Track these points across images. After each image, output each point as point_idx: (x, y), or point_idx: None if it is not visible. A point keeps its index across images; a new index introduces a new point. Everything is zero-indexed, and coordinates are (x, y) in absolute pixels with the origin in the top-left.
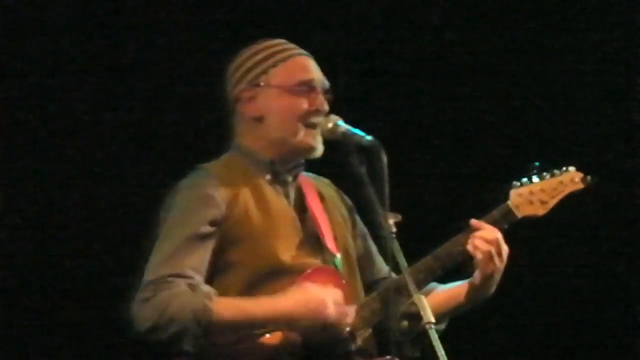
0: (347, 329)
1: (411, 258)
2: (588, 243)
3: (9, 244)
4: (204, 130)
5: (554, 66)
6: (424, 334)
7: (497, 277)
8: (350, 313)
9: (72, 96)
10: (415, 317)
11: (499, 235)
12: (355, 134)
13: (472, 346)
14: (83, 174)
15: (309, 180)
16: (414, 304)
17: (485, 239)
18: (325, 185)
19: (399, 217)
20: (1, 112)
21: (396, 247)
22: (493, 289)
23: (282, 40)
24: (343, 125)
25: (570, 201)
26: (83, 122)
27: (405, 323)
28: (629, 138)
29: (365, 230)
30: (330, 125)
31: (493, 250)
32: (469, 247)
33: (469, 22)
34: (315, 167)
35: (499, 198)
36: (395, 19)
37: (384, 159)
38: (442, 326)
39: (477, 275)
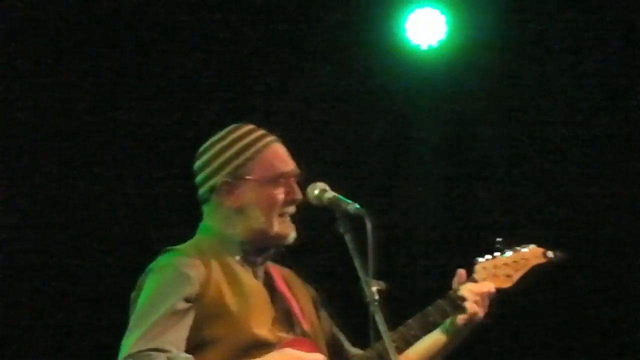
0: None
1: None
2: (588, 244)
3: (9, 244)
4: (203, 130)
5: (554, 66)
6: None
7: (473, 328)
8: None
9: (72, 96)
10: None
11: (485, 290)
12: (342, 201)
13: (472, 346)
14: (83, 174)
15: (274, 267)
16: None
17: (475, 291)
18: (289, 273)
19: (383, 285)
20: (1, 112)
21: (379, 314)
22: (463, 339)
23: (254, 127)
24: (329, 192)
25: (570, 201)
26: (83, 122)
27: None
28: (629, 138)
29: (329, 317)
30: (316, 192)
31: (480, 302)
32: (464, 299)
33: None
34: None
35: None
36: None
37: (370, 226)
38: None
39: (460, 322)
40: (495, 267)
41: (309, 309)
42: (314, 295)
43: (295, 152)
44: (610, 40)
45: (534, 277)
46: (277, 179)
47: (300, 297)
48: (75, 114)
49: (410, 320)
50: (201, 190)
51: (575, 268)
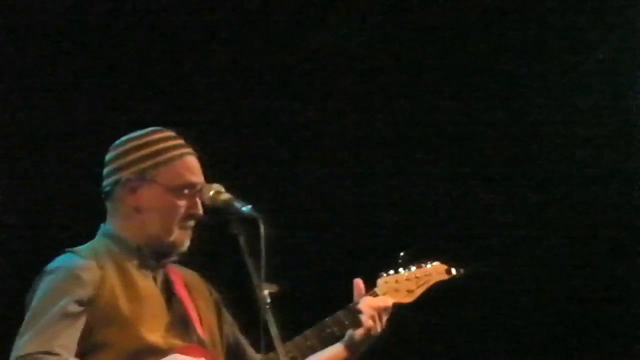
0: None
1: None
2: (588, 243)
3: (9, 244)
4: (203, 131)
5: (554, 66)
6: None
7: (371, 342)
8: None
9: (72, 96)
10: None
11: (383, 304)
12: (236, 202)
13: (472, 346)
14: (83, 174)
15: (175, 270)
16: None
17: (373, 306)
18: (192, 276)
19: (275, 288)
20: (1, 112)
21: (270, 318)
22: (360, 353)
23: (173, 134)
24: (224, 194)
25: (568, 202)
26: (83, 122)
27: None
28: (630, 138)
29: (232, 321)
30: (211, 193)
31: (382, 317)
32: (361, 312)
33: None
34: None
35: (368, 285)
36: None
37: (263, 229)
38: None
39: (357, 336)
40: (397, 281)
41: (208, 314)
42: (217, 299)
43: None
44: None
45: (534, 277)
46: (182, 189)
47: (201, 302)
48: (75, 114)
49: (307, 331)
50: (105, 183)
51: (575, 268)
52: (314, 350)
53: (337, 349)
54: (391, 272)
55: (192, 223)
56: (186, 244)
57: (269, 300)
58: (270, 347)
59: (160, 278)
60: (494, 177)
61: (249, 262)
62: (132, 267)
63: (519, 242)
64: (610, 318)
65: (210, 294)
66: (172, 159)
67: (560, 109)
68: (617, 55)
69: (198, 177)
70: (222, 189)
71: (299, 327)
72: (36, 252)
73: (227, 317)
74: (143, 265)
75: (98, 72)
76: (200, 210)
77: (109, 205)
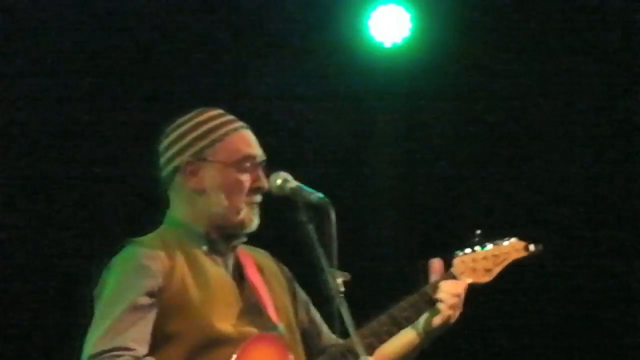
0: None
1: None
2: (588, 245)
3: (9, 244)
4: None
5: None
6: None
7: (446, 329)
8: None
9: (72, 96)
10: None
11: (462, 290)
12: (304, 190)
13: (472, 346)
14: (83, 174)
15: (246, 252)
16: None
17: (455, 292)
18: (263, 256)
19: (348, 276)
20: (1, 112)
21: (344, 306)
22: (432, 340)
23: (222, 111)
24: (292, 182)
25: (568, 202)
26: (83, 122)
27: None
28: (630, 138)
29: (307, 299)
30: (279, 181)
31: (458, 302)
32: (439, 298)
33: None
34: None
35: (445, 265)
36: None
37: (333, 216)
38: None
39: (434, 321)
40: (474, 260)
41: (283, 297)
42: (290, 278)
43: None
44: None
45: (534, 277)
46: (243, 162)
47: (275, 285)
48: (75, 114)
49: (382, 315)
50: (164, 172)
51: (576, 268)
52: (390, 334)
53: (412, 334)
54: (467, 250)
55: (258, 198)
56: (255, 222)
57: (342, 289)
58: (345, 336)
59: (231, 263)
60: (456, 175)
61: (320, 250)
62: (200, 253)
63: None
64: (611, 318)
65: (283, 273)
66: (227, 134)
67: (523, 107)
68: (617, 55)
69: (257, 149)
70: (290, 177)
71: (374, 311)
72: (36, 253)
73: (302, 295)
74: (212, 250)
75: (98, 72)
76: (265, 183)
77: (171, 194)
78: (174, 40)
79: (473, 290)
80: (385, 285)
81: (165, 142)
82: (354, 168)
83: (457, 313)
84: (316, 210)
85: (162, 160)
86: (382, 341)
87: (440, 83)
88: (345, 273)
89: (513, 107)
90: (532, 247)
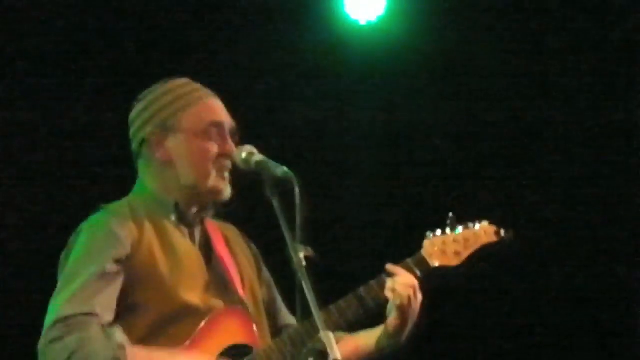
0: None
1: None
2: (588, 243)
3: (10, 244)
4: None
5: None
6: None
7: (411, 324)
8: None
9: (73, 96)
10: (322, 354)
11: (415, 282)
12: (270, 164)
13: (472, 346)
14: (83, 174)
15: (214, 225)
16: (321, 340)
17: (405, 283)
18: (231, 230)
19: (311, 251)
20: (1, 112)
21: (306, 282)
22: (405, 337)
23: (188, 80)
24: (257, 155)
25: (568, 202)
26: (83, 122)
27: None
28: (630, 138)
29: (270, 278)
30: (244, 155)
31: (412, 295)
32: (387, 292)
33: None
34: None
35: (413, 247)
36: None
37: (298, 190)
38: None
39: (391, 322)
40: (444, 243)
41: (249, 272)
42: (257, 254)
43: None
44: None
45: (534, 277)
46: (208, 129)
47: (242, 259)
48: (75, 113)
49: (349, 295)
50: (133, 144)
51: (576, 268)
52: (356, 314)
53: (371, 337)
54: (438, 232)
55: (227, 164)
56: (226, 191)
57: (304, 264)
58: (306, 312)
59: (199, 235)
60: (430, 158)
61: (284, 224)
62: (169, 224)
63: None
64: (611, 318)
65: (250, 249)
66: (191, 103)
67: (495, 88)
68: (617, 55)
69: (223, 116)
70: (255, 150)
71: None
72: (37, 253)
73: (265, 274)
74: (181, 222)
75: (98, 72)
76: (233, 149)
77: (140, 165)
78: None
79: (472, 291)
80: (363, 265)
81: (133, 114)
82: (328, 147)
83: (414, 308)
84: (283, 185)
85: (131, 132)
86: (348, 320)
87: (415, 61)
88: (308, 248)
89: (490, 83)
90: (503, 233)
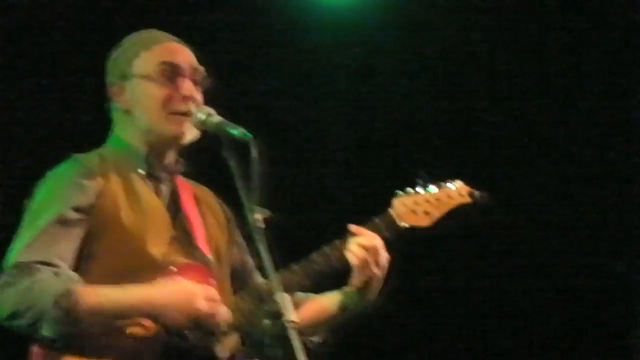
0: (220, 327)
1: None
2: (588, 243)
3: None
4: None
5: (555, 66)
6: (286, 334)
7: (376, 285)
8: (223, 311)
9: (73, 96)
10: (277, 315)
11: (378, 242)
12: (228, 125)
13: (472, 346)
14: None
15: (186, 184)
16: (276, 302)
17: (363, 245)
18: (204, 191)
19: (268, 213)
20: (1, 112)
21: (262, 242)
22: (371, 297)
23: (154, 30)
24: (216, 117)
25: (566, 202)
26: (86, 122)
27: (267, 322)
28: (629, 138)
29: (243, 242)
30: (202, 116)
31: (369, 258)
32: (347, 252)
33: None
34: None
35: (383, 206)
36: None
37: (255, 152)
38: (318, 339)
39: (352, 283)
40: (415, 203)
41: (217, 232)
42: (230, 217)
43: None
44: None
45: (534, 277)
46: (160, 73)
47: (210, 219)
48: (76, 113)
49: (313, 254)
50: (107, 97)
51: (576, 268)
52: (320, 273)
53: (335, 297)
54: (409, 191)
55: (184, 107)
56: (186, 134)
57: (261, 225)
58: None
59: (167, 191)
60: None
61: (241, 186)
62: (137, 177)
63: (518, 241)
64: (610, 317)
65: (223, 211)
66: (144, 48)
67: (560, 109)
68: (617, 55)
69: (178, 58)
70: (214, 112)
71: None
72: None
73: (238, 237)
74: (149, 175)
75: (97, 72)
76: (193, 92)
77: (112, 117)
78: None
79: (473, 290)
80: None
81: (105, 69)
82: (304, 118)
83: (374, 270)
84: (241, 146)
85: (106, 86)
86: (312, 279)
87: (388, 37)
88: (265, 210)
89: (464, 52)
90: (477, 194)
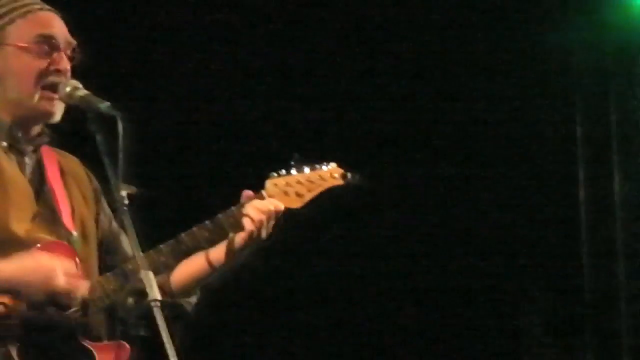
0: (77, 304)
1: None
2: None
3: None
4: (203, 130)
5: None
6: (150, 312)
7: (254, 247)
8: (83, 287)
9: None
10: (142, 294)
11: (271, 207)
12: (94, 99)
13: (472, 345)
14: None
15: (53, 154)
16: (141, 280)
17: (260, 209)
18: (72, 161)
19: (134, 189)
20: None
21: (127, 219)
22: (241, 258)
23: None
24: (82, 90)
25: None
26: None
27: (131, 300)
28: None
29: (111, 213)
30: (68, 89)
31: (265, 221)
32: (243, 218)
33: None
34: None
35: (258, 188)
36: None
37: (121, 127)
38: (195, 299)
39: (231, 243)
40: (287, 184)
41: (82, 205)
42: (97, 188)
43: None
44: None
45: (533, 277)
46: (35, 44)
47: (75, 191)
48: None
49: (182, 234)
50: None
51: (575, 268)
52: (187, 254)
53: (214, 252)
54: (282, 172)
55: (56, 81)
56: (56, 112)
57: (126, 202)
58: (144, 250)
59: (31, 164)
60: (492, 177)
61: (107, 161)
62: None
63: (518, 240)
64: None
65: (90, 182)
66: (19, 16)
67: (559, 109)
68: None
69: (55, 30)
70: (80, 85)
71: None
72: None
73: (105, 208)
74: (12, 148)
75: (98, 72)
76: (66, 65)
77: None
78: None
79: (472, 289)
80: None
81: None
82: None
83: (263, 231)
84: (107, 120)
85: None
86: (178, 260)
87: None
88: (131, 186)
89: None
90: (349, 176)
